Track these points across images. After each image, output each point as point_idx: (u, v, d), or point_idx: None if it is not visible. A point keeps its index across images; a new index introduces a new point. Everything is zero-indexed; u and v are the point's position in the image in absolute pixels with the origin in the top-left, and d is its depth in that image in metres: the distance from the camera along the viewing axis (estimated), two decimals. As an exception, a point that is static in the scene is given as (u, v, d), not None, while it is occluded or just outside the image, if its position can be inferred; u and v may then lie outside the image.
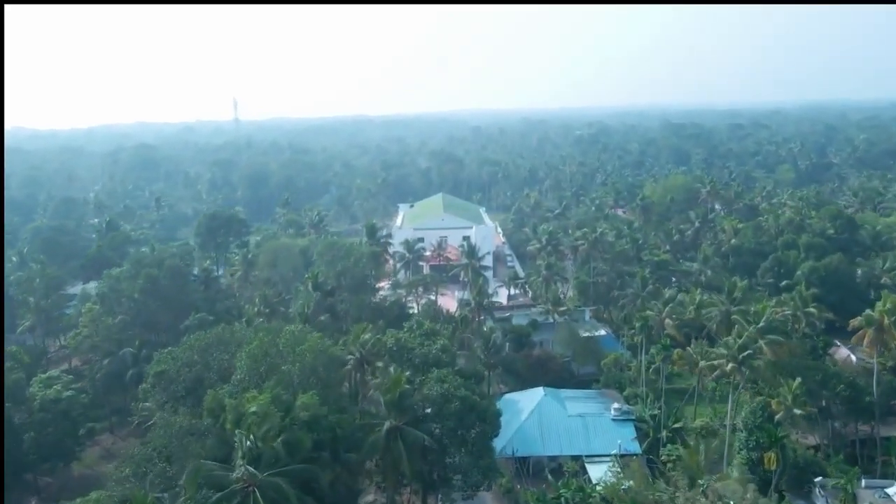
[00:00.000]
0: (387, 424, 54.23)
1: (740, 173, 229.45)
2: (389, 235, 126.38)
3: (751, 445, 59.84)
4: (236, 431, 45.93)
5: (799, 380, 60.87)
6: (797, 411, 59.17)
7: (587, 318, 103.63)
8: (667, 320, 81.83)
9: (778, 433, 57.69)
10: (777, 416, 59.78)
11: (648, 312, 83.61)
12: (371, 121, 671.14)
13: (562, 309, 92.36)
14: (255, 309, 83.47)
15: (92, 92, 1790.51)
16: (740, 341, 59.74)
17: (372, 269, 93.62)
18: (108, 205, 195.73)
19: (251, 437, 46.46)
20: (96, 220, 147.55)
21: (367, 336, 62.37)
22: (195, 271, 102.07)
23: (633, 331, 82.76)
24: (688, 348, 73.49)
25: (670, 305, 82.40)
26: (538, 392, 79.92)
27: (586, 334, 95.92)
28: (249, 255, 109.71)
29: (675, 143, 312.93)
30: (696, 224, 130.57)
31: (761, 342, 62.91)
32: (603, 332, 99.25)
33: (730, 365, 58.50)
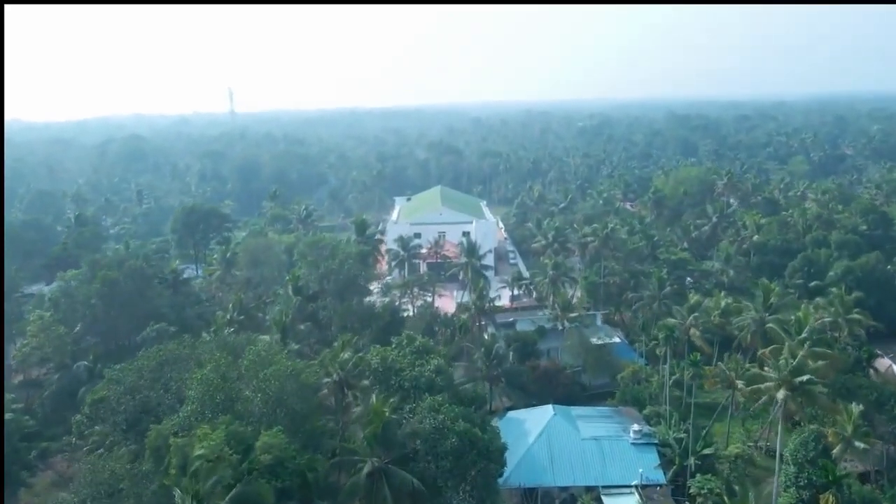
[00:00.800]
0: (368, 465, 44.92)
1: (752, 165, 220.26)
2: (381, 232, 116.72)
3: (801, 483, 50.60)
4: (176, 489, 36.63)
5: (861, 407, 51.40)
6: (859, 444, 49.68)
7: (598, 322, 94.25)
8: (692, 330, 72.30)
9: (836, 471, 48.33)
10: (834, 451, 50.27)
11: (671, 320, 74.06)
12: (369, 112, 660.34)
13: (572, 315, 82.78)
14: (228, 316, 73.97)
15: (89, 84, 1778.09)
16: (794, 362, 49.95)
17: (361, 269, 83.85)
18: (90, 198, 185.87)
19: (196, 491, 37.21)
20: (77, 214, 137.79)
21: (346, 355, 52.81)
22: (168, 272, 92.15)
23: (654, 341, 73.22)
24: (719, 364, 63.96)
25: (695, 314, 72.68)
26: (547, 411, 70.48)
27: (598, 342, 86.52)
28: (228, 254, 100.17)
29: (681, 135, 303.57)
30: (714, 219, 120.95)
31: (816, 362, 52.94)
32: (617, 340, 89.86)
33: (781, 391, 48.90)
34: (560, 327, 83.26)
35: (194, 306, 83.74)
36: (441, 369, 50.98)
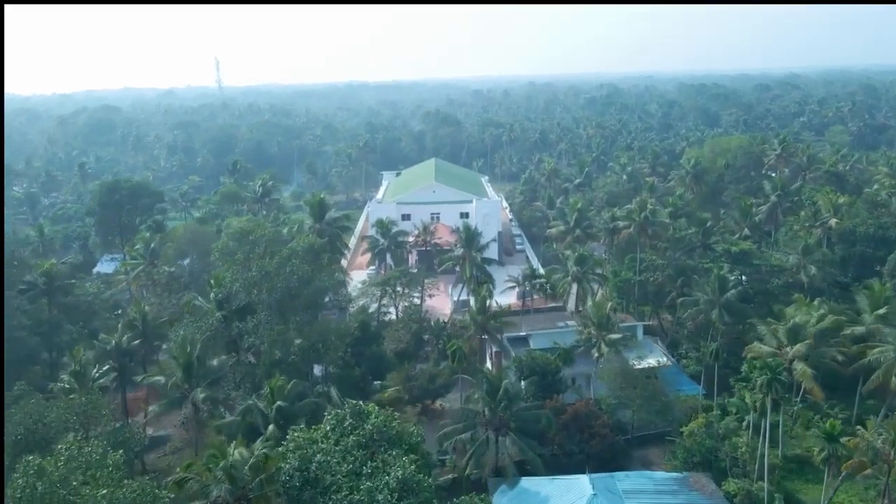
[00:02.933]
0: None
1: (787, 135, 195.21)
2: (346, 217, 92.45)
3: None
4: None
5: None
6: None
7: (640, 336, 70.60)
8: (798, 364, 48.55)
9: None
10: None
11: (763, 348, 50.32)
12: (365, 86, 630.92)
13: (613, 337, 58.96)
14: (112, 342, 50.22)
15: (81, 58, 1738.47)
16: None
17: (314, 270, 59.77)
18: (29, 173, 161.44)
19: None
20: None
21: (238, 453, 29.01)
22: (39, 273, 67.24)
23: (743, 383, 49.53)
24: (860, 430, 40.38)
25: (807, 341, 48.66)
26: (582, 486, 47.24)
27: (642, 365, 62.98)
28: (153, 245, 76.41)
29: (700, 104, 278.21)
30: (773, 198, 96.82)
31: None
32: (668, 362, 66.44)
33: None
34: (596, 354, 59.30)
35: (82, 322, 59.89)
36: (409, 483, 27.15)
